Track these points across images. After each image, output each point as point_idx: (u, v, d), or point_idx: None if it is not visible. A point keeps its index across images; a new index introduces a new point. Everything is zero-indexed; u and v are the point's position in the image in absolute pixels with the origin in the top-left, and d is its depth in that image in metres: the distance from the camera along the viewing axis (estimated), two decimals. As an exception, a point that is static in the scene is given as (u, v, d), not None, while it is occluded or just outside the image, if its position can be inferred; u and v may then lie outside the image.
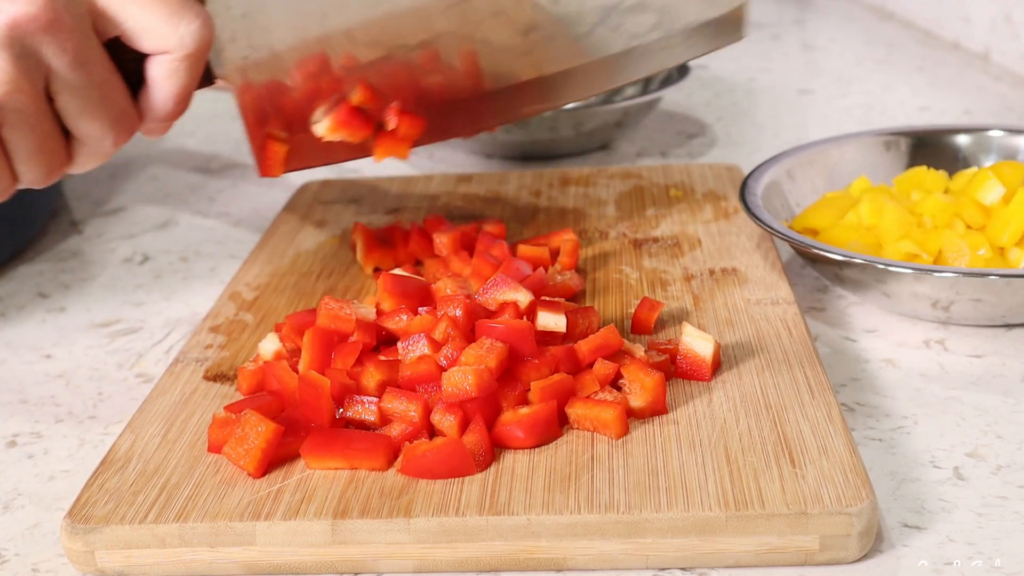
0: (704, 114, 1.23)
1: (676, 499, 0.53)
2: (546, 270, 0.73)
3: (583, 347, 0.63)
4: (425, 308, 0.67)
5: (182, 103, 0.63)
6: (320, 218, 0.92)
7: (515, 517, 0.53)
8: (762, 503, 0.52)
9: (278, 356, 0.67)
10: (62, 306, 0.85)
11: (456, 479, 0.56)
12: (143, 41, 0.60)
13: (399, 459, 0.58)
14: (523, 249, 0.77)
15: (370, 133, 0.72)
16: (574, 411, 0.60)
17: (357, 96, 0.71)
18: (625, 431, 0.59)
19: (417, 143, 0.74)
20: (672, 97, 1.28)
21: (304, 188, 0.99)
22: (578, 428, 0.60)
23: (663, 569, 0.53)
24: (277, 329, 0.69)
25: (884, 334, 0.73)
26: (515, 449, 0.58)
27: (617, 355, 0.63)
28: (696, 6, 0.73)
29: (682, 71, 1.13)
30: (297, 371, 0.63)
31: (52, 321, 0.83)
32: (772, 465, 0.55)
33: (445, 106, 0.73)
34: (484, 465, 0.57)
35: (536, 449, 0.58)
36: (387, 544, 0.53)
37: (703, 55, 0.75)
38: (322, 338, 0.64)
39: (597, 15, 0.72)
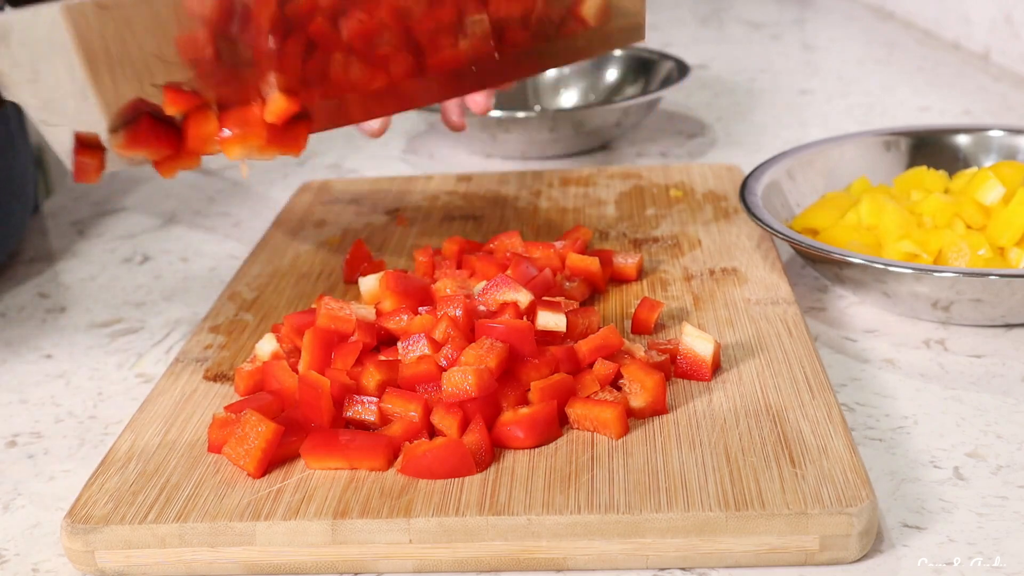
0: (704, 114, 1.23)
1: (676, 499, 0.53)
2: (555, 275, 0.73)
3: (583, 347, 0.63)
4: (425, 308, 0.67)
5: None
6: (320, 218, 0.92)
7: (515, 517, 0.53)
8: (762, 503, 0.52)
9: (275, 357, 0.67)
10: (62, 306, 0.85)
11: (456, 479, 0.56)
12: None
13: (399, 459, 0.58)
14: (533, 250, 0.77)
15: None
16: (574, 411, 0.60)
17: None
18: (625, 431, 0.59)
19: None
20: (672, 97, 1.28)
21: (304, 188, 0.99)
22: (578, 428, 0.60)
23: (663, 569, 0.53)
24: (275, 330, 0.69)
25: (884, 334, 0.73)
26: (515, 449, 0.58)
27: (617, 355, 0.63)
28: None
29: (682, 71, 1.13)
30: (297, 371, 0.63)
31: (52, 321, 0.83)
32: (772, 465, 0.55)
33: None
34: (484, 465, 0.57)
35: (536, 449, 0.58)
36: (387, 544, 0.53)
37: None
38: (322, 338, 0.64)
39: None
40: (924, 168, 0.84)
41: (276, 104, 0.62)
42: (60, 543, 0.57)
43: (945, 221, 0.76)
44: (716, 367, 0.64)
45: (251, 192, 1.07)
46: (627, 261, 0.77)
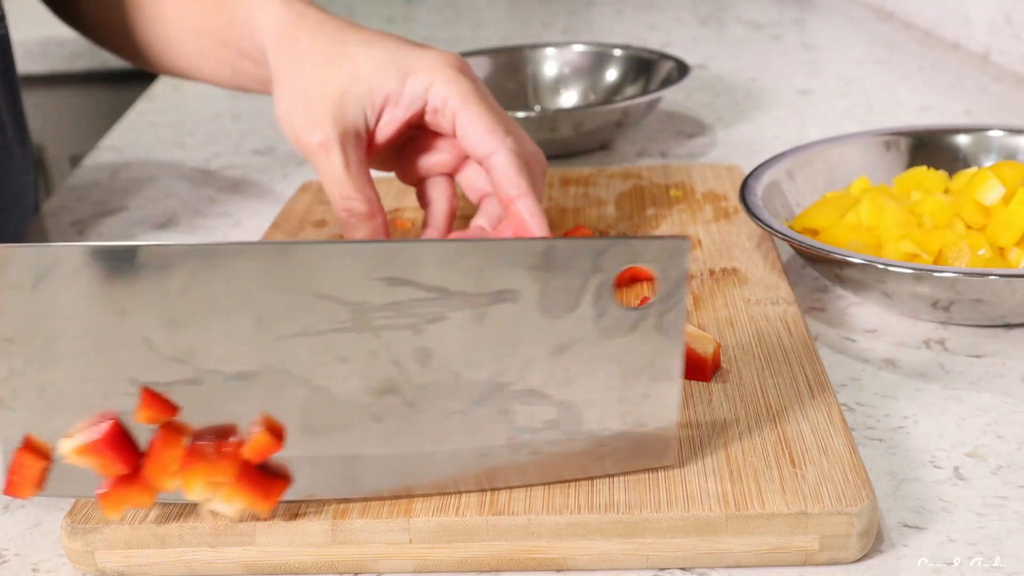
0: (704, 114, 1.24)
1: (676, 499, 0.53)
2: None
3: (583, 347, 0.63)
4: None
5: None
6: (320, 218, 0.92)
7: (515, 517, 0.53)
8: (762, 503, 0.52)
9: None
10: (62, 306, 0.85)
11: (456, 479, 0.56)
12: None
13: (399, 459, 0.58)
14: None
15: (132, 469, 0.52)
16: (574, 411, 0.59)
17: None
18: (625, 431, 0.59)
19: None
20: (672, 97, 1.28)
21: (304, 188, 0.99)
22: (578, 428, 0.59)
23: (663, 569, 0.53)
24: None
25: (884, 334, 0.73)
26: (515, 449, 0.58)
27: (617, 355, 0.63)
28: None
29: (682, 71, 1.13)
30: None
31: (52, 321, 0.83)
32: (772, 465, 0.55)
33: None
34: (484, 465, 0.57)
35: (536, 449, 0.58)
36: (387, 544, 0.53)
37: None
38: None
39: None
40: (924, 168, 0.84)
41: (258, 441, 0.52)
42: (60, 543, 0.56)
43: (945, 221, 0.76)
44: (716, 367, 0.64)
45: (251, 192, 1.07)
46: None
